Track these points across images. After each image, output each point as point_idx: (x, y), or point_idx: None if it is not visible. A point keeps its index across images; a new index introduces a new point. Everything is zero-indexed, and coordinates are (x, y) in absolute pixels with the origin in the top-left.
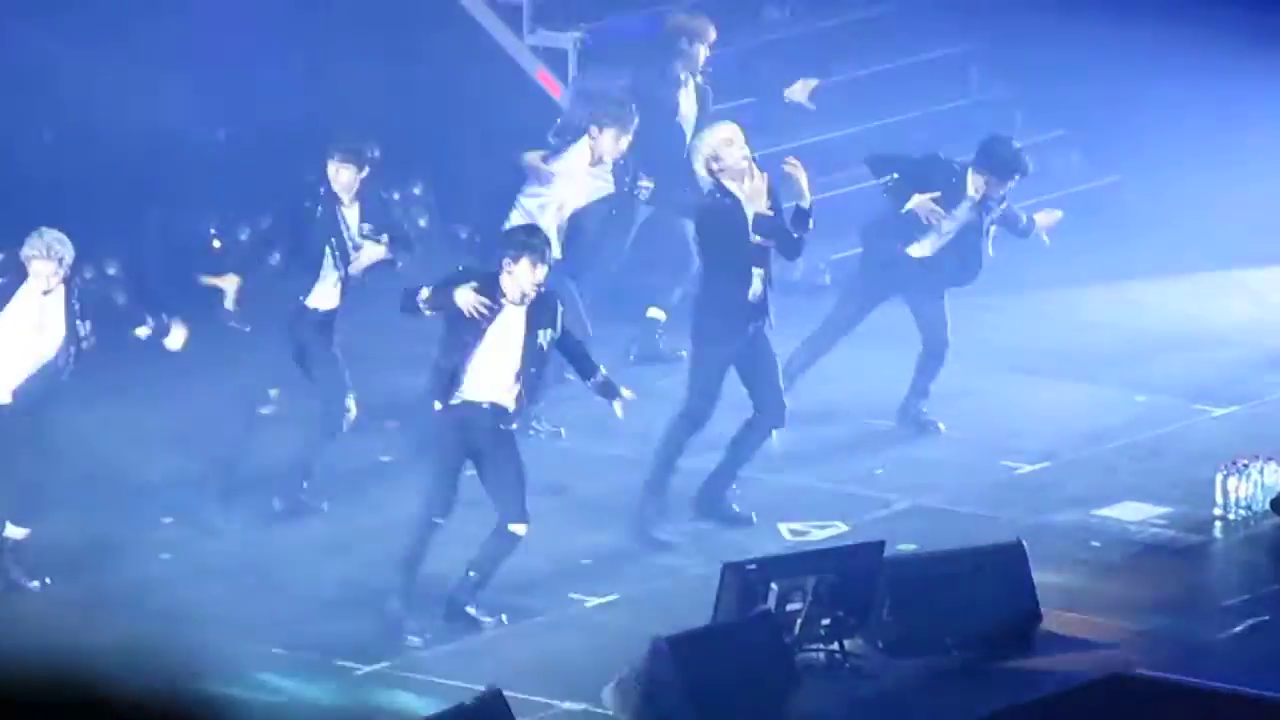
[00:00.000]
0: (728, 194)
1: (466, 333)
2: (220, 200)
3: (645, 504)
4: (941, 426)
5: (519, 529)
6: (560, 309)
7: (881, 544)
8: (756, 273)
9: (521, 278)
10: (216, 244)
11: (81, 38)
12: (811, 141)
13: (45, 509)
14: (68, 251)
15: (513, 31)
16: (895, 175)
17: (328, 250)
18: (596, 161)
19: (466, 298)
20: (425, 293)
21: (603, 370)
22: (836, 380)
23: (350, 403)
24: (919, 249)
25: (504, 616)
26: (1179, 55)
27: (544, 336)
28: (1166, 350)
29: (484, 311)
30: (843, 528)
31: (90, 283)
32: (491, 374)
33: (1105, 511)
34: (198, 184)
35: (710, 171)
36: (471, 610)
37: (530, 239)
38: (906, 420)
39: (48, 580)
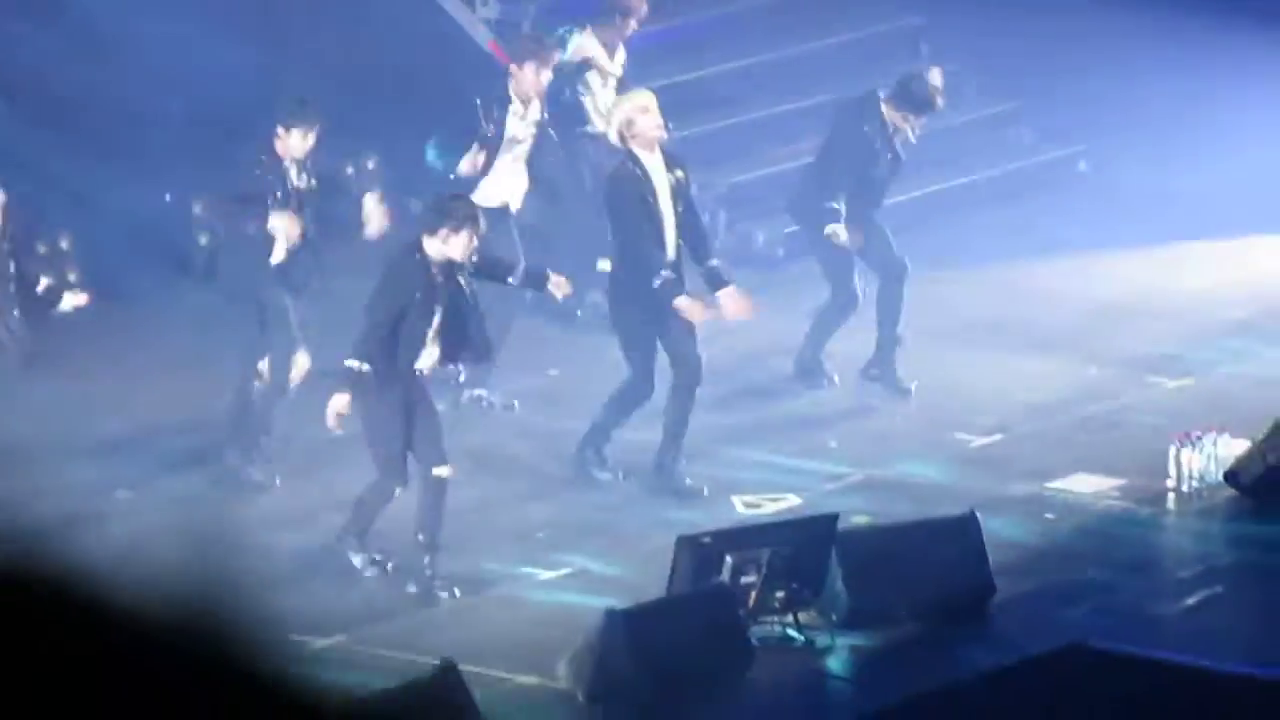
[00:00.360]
0: (638, 162)
1: (421, 333)
2: (175, 173)
3: (584, 448)
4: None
5: (442, 471)
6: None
7: (835, 516)
8: (670, 240)
9: (457, 248)
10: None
11: (31, 8)
12: (762, 115)
13: None
14: None
15: (465, 4)
16: (831, 230)
17: (275, 203)
18: (525, 104)
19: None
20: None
21: (521, 264)
22: (789, 352)
23: (299, 358)
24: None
25: (457, 590)
26: (1134, 26)
27: (462, 280)
28: (1120, 322)
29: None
30: (796, 500)
31: (43, 258)
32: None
33: (1059, 484)
34: (152, 157)
35: (622, 138)
36: (428, 574)
37: (472, 210)
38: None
39: None
